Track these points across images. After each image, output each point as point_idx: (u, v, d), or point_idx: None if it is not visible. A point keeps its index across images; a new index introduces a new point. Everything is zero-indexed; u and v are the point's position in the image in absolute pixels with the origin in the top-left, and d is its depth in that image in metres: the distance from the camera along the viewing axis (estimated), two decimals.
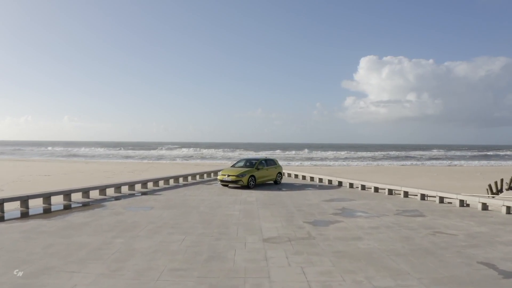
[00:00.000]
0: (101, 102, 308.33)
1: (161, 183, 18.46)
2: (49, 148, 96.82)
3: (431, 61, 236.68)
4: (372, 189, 16.72)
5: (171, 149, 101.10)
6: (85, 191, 14.27)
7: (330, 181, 19.84)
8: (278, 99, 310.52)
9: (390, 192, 15.87)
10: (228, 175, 17.41)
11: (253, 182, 17.56)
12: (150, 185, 17.74)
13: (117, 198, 14.28)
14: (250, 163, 18.81)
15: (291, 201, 13.70)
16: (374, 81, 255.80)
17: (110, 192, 15.49)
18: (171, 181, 19.22)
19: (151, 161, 56.19)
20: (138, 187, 17.01)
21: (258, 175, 17.96)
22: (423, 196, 14.49)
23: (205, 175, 22.37)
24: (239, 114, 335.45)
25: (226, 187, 17.77)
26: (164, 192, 16.09)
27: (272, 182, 19.43)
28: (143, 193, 15.69)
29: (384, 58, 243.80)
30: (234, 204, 13.04)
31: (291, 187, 18.48)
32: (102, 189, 14.99)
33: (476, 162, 59.60)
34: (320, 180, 20.67)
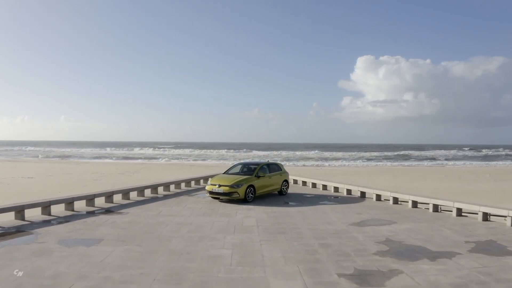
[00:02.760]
0: (98, 102, 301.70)
1: (133, 194, 14.35)
2: (42, 148, 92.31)
3: (428, 61, 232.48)
4: (410, 204, 12.72)
5: (167, 149, 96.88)
6: (19, 210, 10.22)
7: (349, 191, 15.76)
8: (275, 99, 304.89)
9: (436, 208, 11.91)
10: (220, 185, 13.28)
11: (252, 194, 13.48)
12: (118, 197, 13.70)
13: (64, 220, 10.26)
14: (248, 169, 14.68)
15: (306, 225, 9.70)
16: (371, 81, 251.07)
17: (60, 209, 11.46)
18: (148, 191, 15.14)
19: (145, 161, 52.42)
20: (101, 200, 12.99)
21: (258, 184, 13.86)
22: (485, 215, 10.58)
23: (192, 182, 18.28)
24: (236, 114, 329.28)
25: (217, 200, 13.75)
26: (133, 208, 12.03)
27: (276, 192, 15.39)
28: (106, 210, 11.70)
29: (381, 58, 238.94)
30: (225, 232, 8.99)
31: (301, 199, 14.45)
32: (46, 206, 10.93)
33: (478, 163, 55.91)
34: (336, 189, 16.58)
